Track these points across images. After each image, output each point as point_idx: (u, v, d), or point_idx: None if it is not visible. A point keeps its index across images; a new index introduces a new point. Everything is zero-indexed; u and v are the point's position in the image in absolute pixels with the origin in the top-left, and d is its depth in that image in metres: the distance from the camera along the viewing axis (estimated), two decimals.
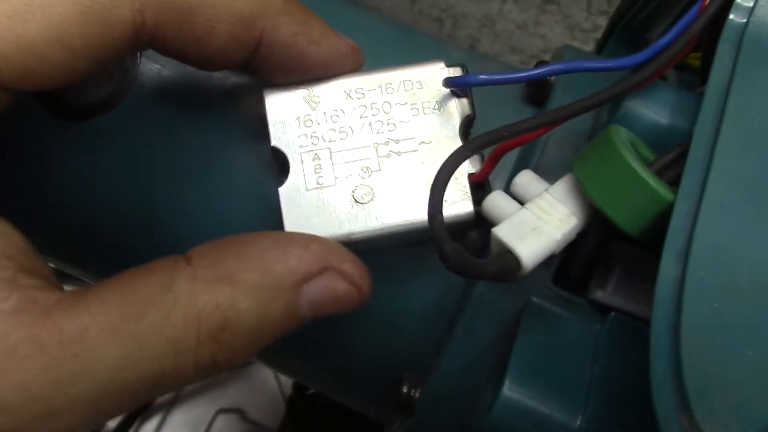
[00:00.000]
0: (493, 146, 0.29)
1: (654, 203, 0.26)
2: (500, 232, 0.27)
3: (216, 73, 0.33)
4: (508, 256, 0.27)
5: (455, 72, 0.31)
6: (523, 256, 0.26)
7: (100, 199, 0.34)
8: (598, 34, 0.53)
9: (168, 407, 0.76)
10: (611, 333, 0.30)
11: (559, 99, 0.34)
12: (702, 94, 0.30)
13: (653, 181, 0.26)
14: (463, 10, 0.96)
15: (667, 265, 0.24)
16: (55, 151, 0.34)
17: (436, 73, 0.31)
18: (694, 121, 0.28)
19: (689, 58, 0.38)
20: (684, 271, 0.24)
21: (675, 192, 0.26)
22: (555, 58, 0.38)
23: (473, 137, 0.29)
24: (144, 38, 0.27)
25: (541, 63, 0.35)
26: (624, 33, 0.50)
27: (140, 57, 0.34)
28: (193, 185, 0.33)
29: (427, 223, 0.26)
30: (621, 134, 0.27)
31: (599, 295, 0.30)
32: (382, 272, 0.33)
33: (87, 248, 0.36)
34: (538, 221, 0.27)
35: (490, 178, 0.32)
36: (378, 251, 0.31)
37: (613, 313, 0.30)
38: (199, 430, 0.76)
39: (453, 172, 0.26)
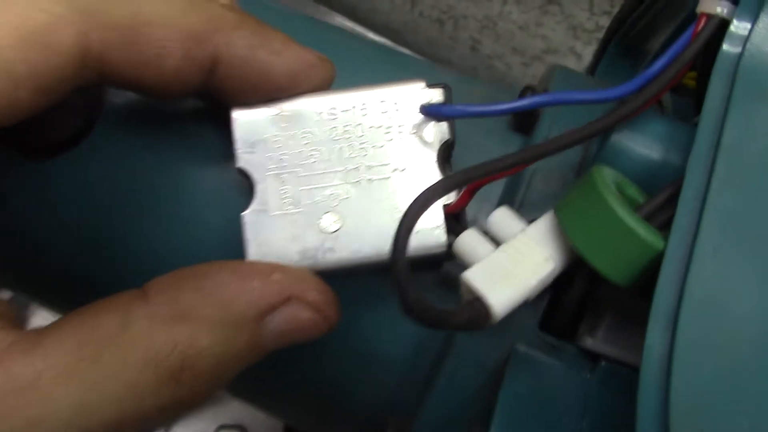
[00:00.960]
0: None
1: (643, 252, 0.24)
2: (470, 276, 0.25)
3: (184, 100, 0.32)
4: (477, 303, 0.25)
5: (436, 93, 0.29)
6: (493, 304, 0.24)
7: (62, 234, 0.32)
8: (601, 34, 0.51)
9: (168, 423, 0.75)
10: (602, 383, 0.28)
11: (546, 128, 0.32)
12: (697, 125, 0.28)
13: (641, 229, 0.24)
14: (464, 11, 0.94)
15: (655, 329, 0.22)
16: (16, 188, 0.32)
17: (414, 94, 0.29)
18: (687, 155, 0.27)
19: (685, 79, 0.36)
20: (674, 332, 0.22)
21: (665, 238, 0.24)
22: (544, 80, 0.37)
23: (447, 175, 0.27)
24: (92, 65, 0.25)
25: (527, 89, 0.33)
26: (622, 43, 0.48)
27: (107, 91, 0.32)
28: (158, 217, 0.32)
29: None
30: (605, 176, 0.25)
31: (589, 342, 0.28)
32: (366, 305, 0.32)
33: (51, 285, 0.34)
34: (512, 265, 0.25)
35: (474, 210, 0.30)
36: (354, 277, 0.29)
37: (603, 362, 0.28)
38: None
39: (420, 215, 0.24)
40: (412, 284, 0.23)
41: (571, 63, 0.90)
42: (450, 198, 0.28)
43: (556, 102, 0.28)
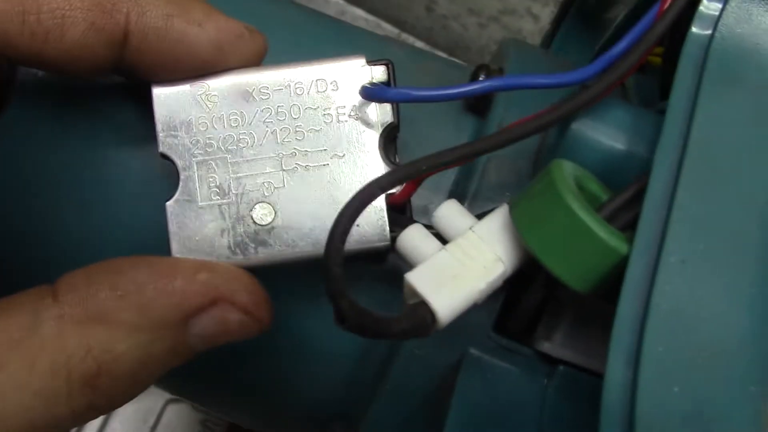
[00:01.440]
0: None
1: (605, 257, 0.22)
2: (414, 279, 0.23)
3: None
4: (421, 308, 0.23)
5: (378, 72, 0.27)
6: (438, 309, 0.22)
7: None
8: None
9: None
10: (560, 388, 0.26)
11: (501, 111, 0.30)
12: (662, 112, 0.26)
13: (604, 233, 0.22)
14: None
15: (618, 347, 0.21)
16: None
17: (354, 72, 0.26)
18: (653, 146, 0.25)
19: (650, 56, 0.34)
20: (638, 351, 0.20)
21: (630, 240, 0.22)
22: (498, 56, 0.34)
23: (391, 170, 0.24)
24: None
25: (481, 68, 0.31)
26: (580, 12, 0.46)
27: (17, 70, 0.29)
28: (75, 205, 0.29)
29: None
30: (564, 172, 0.23)
31: (546, 347, 0.26)
32: (310, 300, 0.30)
33: None
34: (459, 267, 0.23)
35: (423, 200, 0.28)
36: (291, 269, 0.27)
37: (561, 366, 0.26)
38: (149, 420, 0.73)
39: (356, 217, 0.22)
40: (345, 290, 0.21)
41: (528, 24, 0.87)
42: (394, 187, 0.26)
43: (510, 87, 0.26)
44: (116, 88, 0.29)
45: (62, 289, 0.22)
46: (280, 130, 0.26)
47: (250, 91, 0.26)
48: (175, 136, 0.26)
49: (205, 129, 0.26)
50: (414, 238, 0.25)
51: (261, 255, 0.26)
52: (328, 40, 0.34)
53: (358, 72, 0.26)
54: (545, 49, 0.48)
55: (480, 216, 0.25)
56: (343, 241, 0.21)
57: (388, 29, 0.88)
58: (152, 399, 0.73)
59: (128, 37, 0.24)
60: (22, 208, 0.29)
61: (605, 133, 0.25)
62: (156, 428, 0.71)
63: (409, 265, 0.24)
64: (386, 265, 0.29)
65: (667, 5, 0.25)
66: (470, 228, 0.24)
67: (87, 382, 0.22)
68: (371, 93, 0.26)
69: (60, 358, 0.21)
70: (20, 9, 0.23)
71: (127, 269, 0.23)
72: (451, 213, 0.25)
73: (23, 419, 0.21)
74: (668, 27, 0.25)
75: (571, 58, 0.46)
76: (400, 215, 0.26)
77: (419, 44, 0.88)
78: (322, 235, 0.25)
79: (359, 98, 0.26)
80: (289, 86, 0.26)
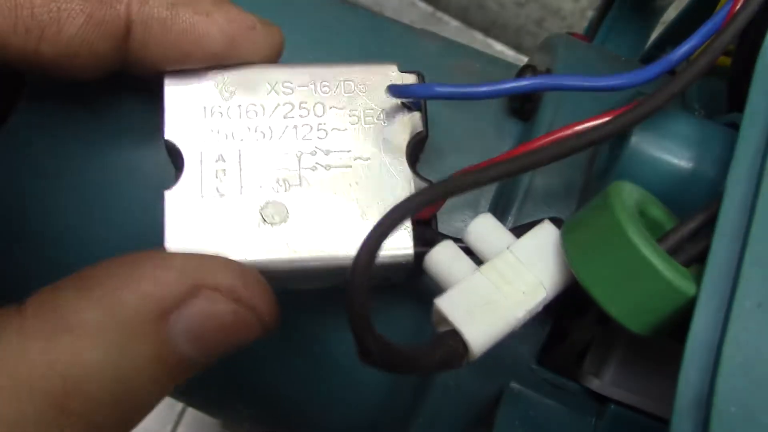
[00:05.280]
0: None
1: (669, 299, 0.20)
2: (444, 305, 0.20)
3: None
4: (452, 338, 0.20)
5: (409, 79, 0.25)
6: (471, 339, 0.20)
7: None
8: None
9: None
10: (611, 430, 0.24)
11: (549, 115, 0.27)
12: (731, 125, 0.24)
13: (669, 271, 0.19)
14: None
15: (683, 405, 0.18)
16: None
17: (384, 78, 0.25)
18: (722, 165, 0.22)
19: None
20: (708, 405, 0.18)
21: (697, 277, 0.20)
22: (544, 49, 0.31)
23: (422, 189, 0.22)
24: None
25: (526, 68, 0.28)
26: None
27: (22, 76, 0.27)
28: (79, 207, 0.27)
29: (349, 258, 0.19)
30: (624, 198, 0.20)
31: (596, 384, 0.24)
32: (343, 325, 0.27)
33: None
34: (494, 292, 0.21)
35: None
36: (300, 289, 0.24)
37: (612, 406, 0.24)
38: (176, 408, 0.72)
39: (385, 237, 0.19)
40: (370, 324, 0.18)
41: (568, 4, 0.84)
42: None
43: (556, 87, 0.24)
44: (124, 88, 0.27)
45: (28, 301, 0.19)
46: (302, 126, 0.24)
47: (272, 84, 0.24)
48: (184, 122, 0.24)
49: (218, 118, 0.24)
50: (445, 257, 0.22)
51: (266, 258, 0.23)
52: (358, 35, 0.31)
53: (389, 77, 0.25)
54: (590, 36, 0.45)
55: (517, 230, 0.23)
56: (369, 270, 0.19)
57: (423, 8, 0.85)
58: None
59: (131, 29, 0.22)
60: (27, 209, 0.27)
61: (669, 150, 0.23)
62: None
63: (439, 286, 0.22)
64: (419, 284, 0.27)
65: (739, 5, 0.23)
66: (507, 247, 0.22)
67: (55, 404, 0.18)
68: (400, 90, 0.24)
69: (21, 379, 0.18)
70: (12, 3, 0.21)
71: (92, 270, 0.20)
72: (485, 229, 0.23)
73: None
74: (740, 30, 0.22)
75: (617, 47, 0.43)
76: (427, 230, 0.24)
77: (454, 24, 0.85)
78: (340, 241, 0.23)
79: (389, 104, 0.25)
80: (315, 84, 0.24)
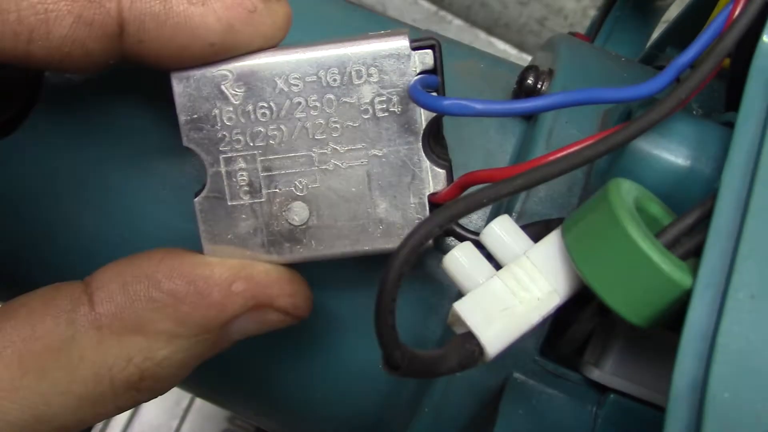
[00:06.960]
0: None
1: (666, 290, 0.20)
2: (463, 309, 0.21)
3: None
4: (469, 341, 0.21)
5: (424, 57, 0.24)
6: (487, 344, 0.21)
7: None
8: None
9: None
10: (610, 418, 0.25)
11: (551, 118, 0.28)
12: (727, 124, 0.24)
13: (666, 264, 0.20)
14: None
15: (679, 391, 0.19)
16: None
17: (397, 54, 0.23)
18: (718, 163, 0.23)
19: None
20: (703, 391, 0.19)
21: (693, 270, 0.21)
22: (546, 52, 0.32)
23: (445, 205, 0.22)
24: None
25: (529, 70, 0.29)
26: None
27: (42, 74, 0.28)
28: (104, 207, 0.28)
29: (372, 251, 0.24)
30: (623, 194, 0.21)
31: (596, 374, 0.25)
32: (352, 320, 0.29)
33: None
34: (511, 298, 0.22)
35: None
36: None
37: (612, 395, 0.25)
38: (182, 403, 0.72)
39: (411, 258, 0.20)
40: (397, 339, 0.20)
41: (570, 3, 0.85)
42: (438, 184, 0.24)
43: (578, 102, 0.24)
44: (143, 90, 0.28)
45: (95, 291, 0.23)
46: (314, 124, 0.24)
47: (280, 80, 0.24)
48: (200, 129, 0.24)
49: (232, 123, 0.24)
50: (463, 259, 0.23)
51: (296, 254, 0.25)
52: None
53: (402, 53, 0.23)
54: (592, 36, 0.46)
55: (529, 228, 0.24)
56: (395, 292, 0.20)
57: (426, 6, 0.86)
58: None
59: (124, 26, 0.22)
60: (43, 210, 0.28)
61: (667, 149, 0.24)
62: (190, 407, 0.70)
63: (457, 286, 0.23)
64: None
65: (737, 12, 0.23)
66: (525, 253, 0.23)
67: (131, 386, 0.22)
68: (425, 101, 0.23)
69: (101, 369, 0.22)
70: None
71: (160, 278, 0.23)
72: (504, 231, 0.23)
73: (71, 418, 0.22)
74: (740, 36, 0.23)
75: (618, 46, 0.44)
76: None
77: (457, 22, 0.86)
78: (360, 238, 0.24)
79: (401, 88, 0.24)
80: (323, 76, 0.24)
